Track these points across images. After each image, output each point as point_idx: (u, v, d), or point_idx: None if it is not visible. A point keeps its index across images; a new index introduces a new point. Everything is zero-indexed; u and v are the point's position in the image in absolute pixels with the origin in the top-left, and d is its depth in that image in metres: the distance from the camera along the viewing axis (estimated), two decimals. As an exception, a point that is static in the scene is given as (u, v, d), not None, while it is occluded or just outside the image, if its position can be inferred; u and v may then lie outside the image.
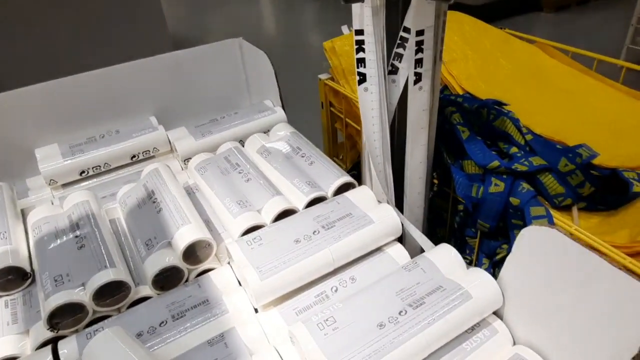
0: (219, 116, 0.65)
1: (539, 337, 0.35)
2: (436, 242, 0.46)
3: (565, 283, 0.31)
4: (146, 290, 0.45)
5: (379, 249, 0.47)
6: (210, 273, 0.46)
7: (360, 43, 0.43)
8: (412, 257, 0.44)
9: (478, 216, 0.53)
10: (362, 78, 0.44)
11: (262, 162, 0.57)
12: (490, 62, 0.81)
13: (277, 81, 0.64)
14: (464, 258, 0.62)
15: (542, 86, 0.78)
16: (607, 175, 0.54)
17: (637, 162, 0.55)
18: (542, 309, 0.34)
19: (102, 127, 0.62)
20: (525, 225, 0.46)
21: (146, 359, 0.34)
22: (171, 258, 0.45)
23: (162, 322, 0.41)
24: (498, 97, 0.70)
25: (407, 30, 0.42)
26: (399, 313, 0.36)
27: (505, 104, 0.67)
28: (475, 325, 0.38)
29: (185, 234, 0.45)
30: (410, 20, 0.41)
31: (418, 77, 0.44)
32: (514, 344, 0.38)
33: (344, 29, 0.81)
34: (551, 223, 0.48)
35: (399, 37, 0.43)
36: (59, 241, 0.46)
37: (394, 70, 0.45)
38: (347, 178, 0.51)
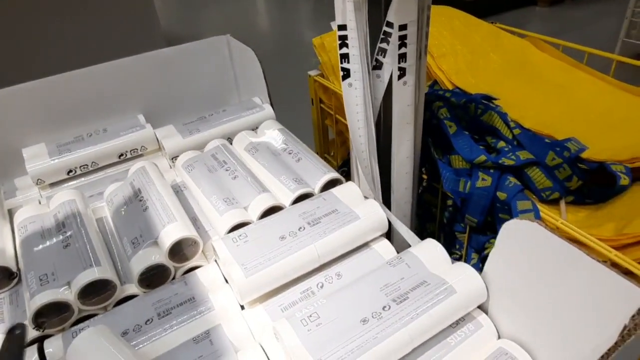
0: (207, 114, 0.65)
1: (523, 331, 0.36)
2: (426, 237, 0.46)
3: (547, 276, 0.31)
4: (132, 288, 0.45)
5: (365, 245, 0.47)
6: (196, 271, 0.46)
7: (343, 38, 0.43)
8: (399, 253, 0.44)
9: (466, 211, 0.53)
10: (346, 73, 0.44)
11: (250, 159, 0.57)
12: (480, 56, 0.81)
13: (265, 78, 0.64)
14: (454, 253, 0.62)
15: (533, 80, 0.78)
16: (595, 169, 0.54)
17: (625, 155, 0.55)
18: (525, 302, 0.34)
19: (90, 126, 0.62)
20: (511, 220, 0.46)
21: (130, 357, 0.34)
22: (157, 256, 0.45)
23: (148, 320, 0.41)
24: (488, 92, 0.69)
25: (390, 24, 0.41)
26: (383, 308, 0.36)
27: (495, 99, 0.66)
28: (460, 319, 0.38)
29: (171, 232, 0.45)
30: (392, 14, 0.41)
31: (402, 72, 0.44)
32: (499, 337, 0.38)
33: (333, 25, 0.80)
34: (537, 217, 0.48)
35: (382, 32, 0.42)
36: (44, 240, 0.46)
37: (378, 66, 0.45)
38: (334, 174, 0.51)
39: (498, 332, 0.38)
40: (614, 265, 0.42)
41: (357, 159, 0.48)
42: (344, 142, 0.84)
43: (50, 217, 0.48)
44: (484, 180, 0.51)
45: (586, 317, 0.29)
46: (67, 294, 0.41)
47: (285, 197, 0.50)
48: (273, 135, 0.60)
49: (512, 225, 0.33)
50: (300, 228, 0.44)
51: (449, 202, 0.59)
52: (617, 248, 0.42)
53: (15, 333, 0.28)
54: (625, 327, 0.24)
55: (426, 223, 0.66)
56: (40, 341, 0.40)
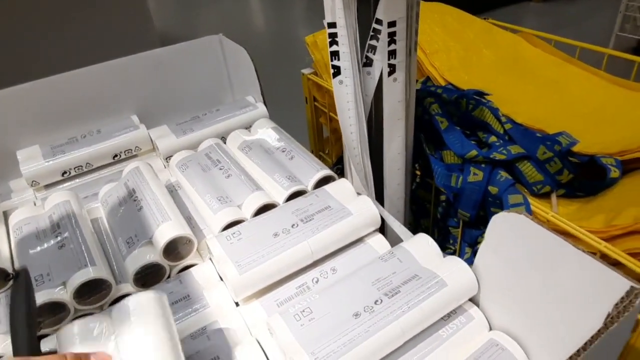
0: (200, 113, 0.65)
1: (513, 322, 0.36)
2: (421, 232, 0.46)
3: (535, 267, 0.32)
4: (128, 287, 0.45)
5: (360, 240, 0.47)
6: (191, 269, 0.46)
7: (333, 36, 0.43)
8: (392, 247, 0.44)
9: (458, 206, 0.54)
10: (337, 71, 0.45)
11: (243, 157, 0.57)
12: (473, 52, 0.81)
13: (258, 77, 0.64)
14: (448, 248, 0.63)
15: (525, 75, 0.78)
16: (586, 162, 0.54)
17: (616, 149, 0.55)
18: (514, 294, 0.35)
19: (84, 127, 0.62)
20: (503, 213, 0.47)
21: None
22: (152, 255, 0.45)
23: (144, 319, 0.42)
24: (480, 87, 0.70)
25: (379, 22, 0.42)
26: (375, 302, 0.36)
27: (487, 94, 0.67)
28: (451, 312, 0.38)
29: (165, 231, 0.45)
30: (381, 11, 0.41)
31: (392, 69, 0.44)
32: (490, 329, 0.38)
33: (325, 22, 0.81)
34: (528, 210, 0.48)
35: (371, 29, 0.43)
36: (39, 241, 0.46)
37: (368, 63, 0.45)
38: (327, 171, 0.52)
39: (490, 324, 0.38)
40: (604, 256, 0.42)
41: (349, 155, 0.48)
42: (338, 140, 0.84)
43: (45, 218, 0.49)
44: (475, 175, 0.51)
45: (573, 306, 0.29)
46: (63, 294, 0.42)
47: (278, 194, 0.51)
48: (266, 133, 0.60)
49: (500, 218, 0.33)
50: (294, 225, 0.45)
51: (443, 198, 0.59)
52: (606, 239, 0.43)
53: (20, 278, 0.30)
54: (608, 314, 0.24)
55: (420, 218, 0.67)
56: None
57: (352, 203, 0.47)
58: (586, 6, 2.27)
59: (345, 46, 0.43)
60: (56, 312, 0.42)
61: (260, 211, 0.49)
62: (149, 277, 0.46)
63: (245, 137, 0.60)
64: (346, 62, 0.43)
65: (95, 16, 1.37)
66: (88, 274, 0.42)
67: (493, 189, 0.51)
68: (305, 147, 0.58)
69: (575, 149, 0.56)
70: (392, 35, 0.42)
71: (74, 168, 0.59)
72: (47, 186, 0.59)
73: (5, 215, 0.54)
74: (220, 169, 0.54)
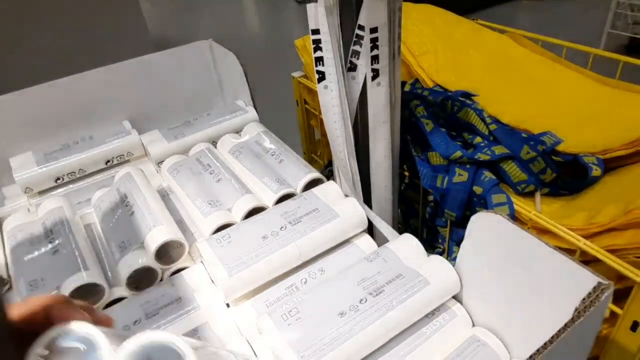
0: (191, 118, 0.66)
1: (494, 318, 0.37)
2: (410, 233, 0.47)
3: (510, 264, 0.33)
4: (121, 291, 0.46)
5: (347, 241, 0.48)
6: (183, 272, 0.47)
7: (317, 42, 0.44)
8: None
9: (445, 206, 0.55)
10: (322, 76, 0.46)
11: (234, 161, 0.58)
12: (461, 53, 0.82)
13: (248, 81, 0.65)
14: (437, 247, 0.64)
15: (512, 75, 0.79)
16: (569, 161, 0.56)
17: (599, 147, 0.56)
18: (493, 290, 0.36)
19: (76, 134, 0.63)
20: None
21: None
22: (144, 259, 0.46)
23: (136, 321, 0.43)
24: (468, 88, 0.71)
25: (361, 27, 0.43)
26: (360, 301, 0.37)
27: (474, 95, 0.68)
28: (435, 309, 0.40)
29: (156, 235, 0.46)
30: (363, 18, 0.42)
31: (376, 73, 0.45)
32: (473, 325, 0.40)
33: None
34: (512, 209, 0.49)
35: (354, 34, 0.44)
36: (33, 247, 0.47)
37: (352, 67, 0.46)
38: (315, 174, 0.53)
39: (472, 321, 0.40)
40: (583, 253, 0.43)
41: (335, 159, 0.49)
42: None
43: (39, 225, 0.50)
44: (460, 176, 0.52)
45: (546, 301, 0.30)
46: (56, 299, 0.43)
47: (268, 197, 0.52)
48: (256, 137, 0.61)
49: (477, 218, 0.34)
50: (282, 227, 0.46)
51: (430, 198, 0.60)
52: (586, 237, 0.44)
53: None
54: (576, 309, 0.25)
55: (409, 219, 0.68)
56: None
57: (339, 205, 0.48)
58: (578, 4, 2.28)
59: (329, 52, 0.44)
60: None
61: (250, 214, 0.50)
62: (141, 280, 0.47)
63: (236, 141, 0.61)
64: (330, 67, 0.44)
65: (88, 22, 1.38)
66: (82, 278, 0.43)
67: (478, 189, 0.52)
68: (298, 150, 0.59)
69: (560, 148, 0.57)
70: (374, 40, 0.43)
71: (67, 174, 0.60)
72: (41, 192, 0.60)
73: (0, 222, 0.55)
74: (211, 173, 0.55)
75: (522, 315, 0.33)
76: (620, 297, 0.43)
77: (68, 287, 0.43)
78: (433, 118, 0.58)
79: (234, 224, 0.49)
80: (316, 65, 0.46)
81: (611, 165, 0.55)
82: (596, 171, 0.53)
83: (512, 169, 0.54)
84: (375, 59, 0.44)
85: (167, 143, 0.62)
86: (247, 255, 0.43)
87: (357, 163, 0.50)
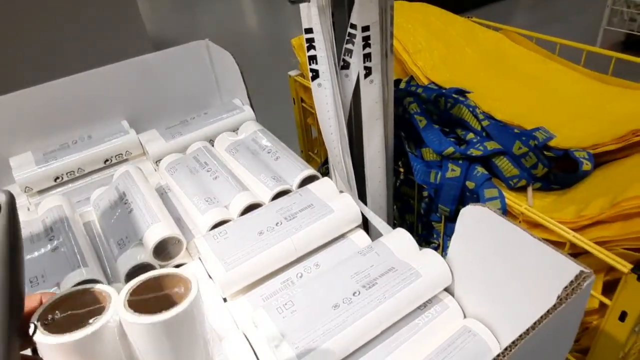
0: (189, 117, 0.67)
1: (484, 309, 0.38)
2: (405, 228, 0.48)
3: (499, 256, 0.34)
4: (119, 287, 0.47)
5: (342, 236, 0.49)
6: (181, 268, 0.48)
7: (310, 41, 0.45)
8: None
9: (438, 201, 0.56)
10: (315, 74, 0.46)
11: (231, 159, 0.59)
12: (456, 51, 0.83)
13: (244, 80, 0.66)
14: (432, 242, 0.65)
15: (506, 72, 0.80)
16: (561, 156, 0.56)
17: (590, 142, 0.57)
18: (484, 282, 0.37)
19: (75, 133, 0.64)
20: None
21: None
22: (142, 255, 0.47)
23: (135, 316, 0.43)
24: (463, 85, 0.72)
25: (353, 26, 0.44)
26: (353, 294, 0.38)
27: (468, 92, 0.69)
28: (427, 302, 0.40)
29: (154, 232, 0.47)
30: (355, 17, 0.43)
31: (368, 71, 0.46)
32: (465, 317, 0.40)
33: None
34: (503, 203, 0.50)
35: (347, 33, 0.45)
36: (33, 245, 0.48)
37: (346, 65, 0.47)
38: (310, 171, 0.54)
39: (464, 312, 0.40)
40: (573, 246, 0.44)
41: (330, 155, 0.50)
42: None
43: (39, 223, 0.50)
44: (453, 171, 0.53)
45: (533, 290, 0.31)
46: (57, 295, 0.43)
47: (264, 194, 0.53)
48: (252, 135, 0.62)
49: (466, 211, 0.35)
50: (278, 223, 0.47)
51: (425, 194, 0.61)
52: (576, 230, 0.45)
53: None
54: (558, 296, 0.26)
55: (405, 215, 0.69)
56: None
57: (334, 201, 0.49)
58: (575, 1, 2.29)
59: (322, 50, 0.44)
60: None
61: (247, 211, 0.50)
62: (140, 276, 0.48)
63: (232, 139, 0.62)
64: (324, 65, 0.45)
65: (86, 23, 1.39)
66: (81, 274, 0.44)
67: (470, 184, 0.53)
68: (295, 148, 0.59)
69: (552, 143, 0.58)
70: (366, 39, 0.44)
71: (66, 173, 0.61)
72: (40, 192, 0.61)
73: (0, 220, 0.56)
74: (208, 171, 0.56)
75: (510, 305, 0.34)
76: (611, 289, 0.44)
77: (68, 283, 0.43)
78: (426, 115, 0.59)
79: (230, 221, 0.50)
80: (310, 64, 0.46)
81: (602, 159, 0.56)
82: (587, 165, 0.53)
83: (504, 164, 0.55)
84: (367, 56, 0.45)
85: (164, 142, 0.63)
86: (244, 251, 0.44)
87: (352, 159, 0.51)
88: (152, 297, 0.30)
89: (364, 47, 0.44)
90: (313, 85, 0.47)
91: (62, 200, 0.53)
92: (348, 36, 0.45)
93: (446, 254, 0.43)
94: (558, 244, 0.45)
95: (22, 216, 0.52)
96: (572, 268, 0.27)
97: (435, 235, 0.64)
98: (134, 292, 0.30)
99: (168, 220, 0.49)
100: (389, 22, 0.47)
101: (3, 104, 0.59)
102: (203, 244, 0.45)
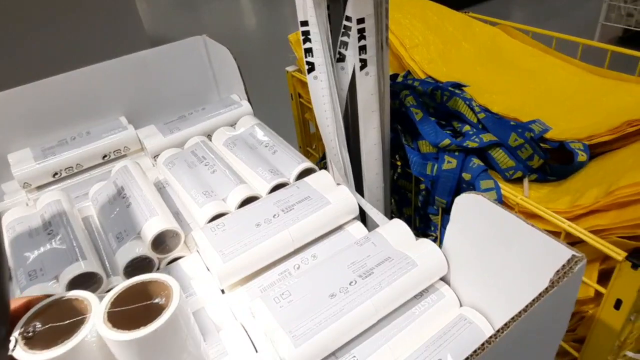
0: (187, 112, 0.67)
1: (480, 297, 0.38)
2: (404, 221, 0.48)
3: (493, 243, 0.34)
4: (119, 280, 0.47)
5: (339, 228, 0.50)
6: (179, 261, 0.49)
7: (306, 34, 0.45)
8: (370, 234, 0.47)
9: (435, 193, 0.56)
10: (311, 67, 0.47)
11: (228, 153, 0.59)
12: (452, 45, 0.84)
13: (242, 75, 0.66)
14: (429, 235, 0.65)
15: (503, 66, 0.81)
16: (556, 147, 0.57)
17: (585, 134, 0.58)
18: (478, 269, 0.37)
19: (73, 129, 0.64)
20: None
21: None
22: (141, 248, 0.47)
23: (134, 309, 0.44)
24: (459, 79, 0.72)
25: (348, 19, 0.44)
26: (350, 283, 0.38)
27: (464, 86, 0.69)
28: (423, 291, 0.41)
29: (152, 225, 0.47)
30: (350, 9, 0.43)
31: (364, 63, 0.46)
32: (461, 306, 0.41)
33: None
34: (499, 194, 0.50)
35: (342, 26, 0.45)
36: (32, 239, 0.48)
37: (341, 58, 0.47)
38: (307, 164, 0.54)
39: (460, 301, 0.41)
40: (568, 235, 0.44)
41: (326, 148, 0.51)
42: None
43: (37, 217, 0.51)
44: (449, 163, 0.54)
45: (526, 276, 0.31)
46: (56, 288, 0.44)
47: (262, 187, 0.53)
48: (250, 130, 0.62)
49: (461, 200, 0.36)
50: (275, 215, 0.47)
51: (422, 187, 0.62)
52: (571, 219, 0.45)
53: None
54: (550, 280, 0.27)
55: (403, 208, 0.69)
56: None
57: (331, 193, 0.49)
58: (572, -4, 2.29)
59: (318, 43, 0.45)
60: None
61: (244, 204, 0.51)
62: (138, 270, 0.48)
63: (230, 133, 0.62)
64: (319, 58, 0.45)
65: (84, 19, 1.39)
66: (80, 267, 0.44)
67: (466, 176, 0.53)
68: (293, 143, 0.60)
69: (548, 135, 0.58)
70: (361, 31, 0.44)
71: (65, 169, 0.61)
72: (39, 187, 0.61)
73: (-1, 216, 0.56)
74: (206, 165, 0.57)
75: (505, 292, 0.34)
76: (606, 277, 0.44)
77: (66, 276, 0.44)
78: (423, 107, 0.59)
79: (228, 213, 0.50)
80: (305, 57, 0.47)
81: (597, 150, 0.57)
82: (582, 156, 0.54)
83: (500, 156, 0.55)
84: (362, 49, 0.45)
85: (162, 137, 0.63)
86: (241, 243, 0.44)
87: (348, 151, 0.51)
88: (133, 309, 0.30)
89: (359, 40, 0.45)
90: (309, 78, 0.47)
91: (61, 195, 0.53)
92: (343, 29, 0.45)
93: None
94: (554, 234, 0.46)
95: (21, 211, 0.53)
96: (564, 253, 0.28)
97: (432, 228, 0.64)
98: (116, 301, 0.30)
99: (166, 213, 0.50)
100: (384, 14, 0.47)
101: (1, 101, 0.60)
102: (201, 237, 0.46)
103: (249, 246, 0.44)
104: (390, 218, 0.48)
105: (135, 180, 0.54)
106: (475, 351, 0.24)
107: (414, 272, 0.39)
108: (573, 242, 0.45)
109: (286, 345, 0.35)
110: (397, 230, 0.44)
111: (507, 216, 0.32)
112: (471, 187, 0.53)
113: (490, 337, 0.24)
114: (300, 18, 0.45)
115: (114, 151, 0.64)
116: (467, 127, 0.58)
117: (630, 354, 0.50)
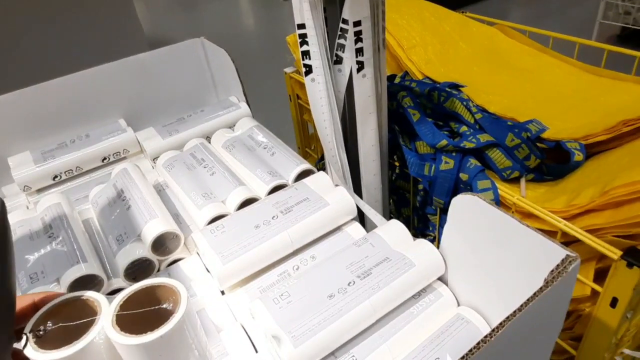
0: (185, 114, 0.68)
1: (477, 297, 0.39)
2: (402, 222, 0.49)
3: (489, 243, 0.35)
4: (119, 282, 0.48)
5: (338, 229, 0.50)
6: (179, 263, 0.49)
7: (303, 36, 0.46)
8: (368, 235, 0.47)
9: (433, 193, 0.56)
10: (309, 69, 0.47)
11: (227, 155, 0.60)
12: (450, 46, 0.84)
13: (240, 77, 0.67)
14: (428, 235, 0.66)
15: (500, 66, 0.81)
16: (553, 147, 0.57)
17: (581, 133, 0.58)
18: (475, 269, 0.37)
19: (73, 132, 0.65)
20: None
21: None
22: (141, 251, 0.48)
23: (135, 310, 0.44)
24: (457, 80, 0.73)
25: (345, 21, 0.44)
26: (348, 284, 0.39)
27: (462, 86, 0.70)
28: (421, 291, 0.41)
29: (152, 227, 0.48)
30: (347, 12, 0.44)
31: (361, 65, 0.47)
32: (459, 305, 0.41)
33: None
34: (496, 194, 0.51)
35: (339, 28, 0.45)
36: (33, 242, 0.49)
37: (339, 60, 0.47)
38: (306, 165, 0.54)
39: (458, 301, 0.41)
40: (564, 234, 0.45)
41: (325, 149, 0.51)
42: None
43: (38, 220, 0.51)
44: (446, 164, 0.54)
45: (521, 276, 0.32)
46: (57, 290, 0.44)
47: (260, 189, 0.53)
48: (249, 131, 0.63)
49: (457, 200, 0.36)
50: (274, 217, 0.47)
51: (420, 187, 0.62)
52: (567, 218, 0.46)
53: None
54: (545, 279, 0.27)
55: (401, 208, 0.69)
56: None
57: (329, 194, 0.49)
58: (570, -5, 2.29)
59: (315, 45, 0.45)
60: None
61: (243, 205, 0.51)
62: (139, 271, 0.48)
63: (229, 135, 0.63)
64: (317, 60, 0.46)
65: (82, 22, 1.39)
66: (80, 270, 0.45)
67: (464, 176, 0.53)
68: (292, 144, 0.60)
69: (544, 135, 0.58)
70: (358, 33, 0.45)
71: (65, 172, 0.61)
72: (39, 190, 0.61)
73: None
74: (205, 167, 0.57)
75: (501, 291, 0.35)
76: (602, 276, 0.44)
77: (67, 279, 0.44)
78: (420, 108, 0.59)
79: (227, 215, 0.50)
80: (303, 59, 0.47)
81: (593, 150, 0.57)
82: (578, 156, 0.54)
83: (497, 156, 0.55)
84: (359, 51, 0.46)
85: (162, 139, 0.63)
86: (240, 244, 0.45)
87: (346, 153, 0.51)
88: (141, 313, 0.31)
89: (356, 42, 0.45)
90: (307, 80, 0.48)
91: (61, 197, 0.54)
92: (340, 31, 0.45)
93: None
94: (550, 233, 0.46)
95: (21, 214, 0.53)
96: (559, 253, 0.28)
97: (431, 228, 0.64)
98: (124, 304, 0.31)
99: (166, 215, 0.50)
100: (381, 16, 0.47)
101: (1, 104, 0.60)
102: (200, 239, 0.46)
103: (249, 248, 0.44)
104: (389, 218, 0.49)
105: (135, 182, 0.54)
106: (471, 350, 0.24)
107: (411, 272, 0.39)
108: (569, 241, 0.46)
109: (286, 345, 0.35)
110: (395, 230, 0.44)
111: (502, 217, 0.32)
112: (468, 187, 0.53)
113: (486, 336, 0.25)
114: (297, 21, 0.45)
115: (114, 154, 0.64)
116: (464, 128, 0.58)
117: (627, 351, 0.50)
